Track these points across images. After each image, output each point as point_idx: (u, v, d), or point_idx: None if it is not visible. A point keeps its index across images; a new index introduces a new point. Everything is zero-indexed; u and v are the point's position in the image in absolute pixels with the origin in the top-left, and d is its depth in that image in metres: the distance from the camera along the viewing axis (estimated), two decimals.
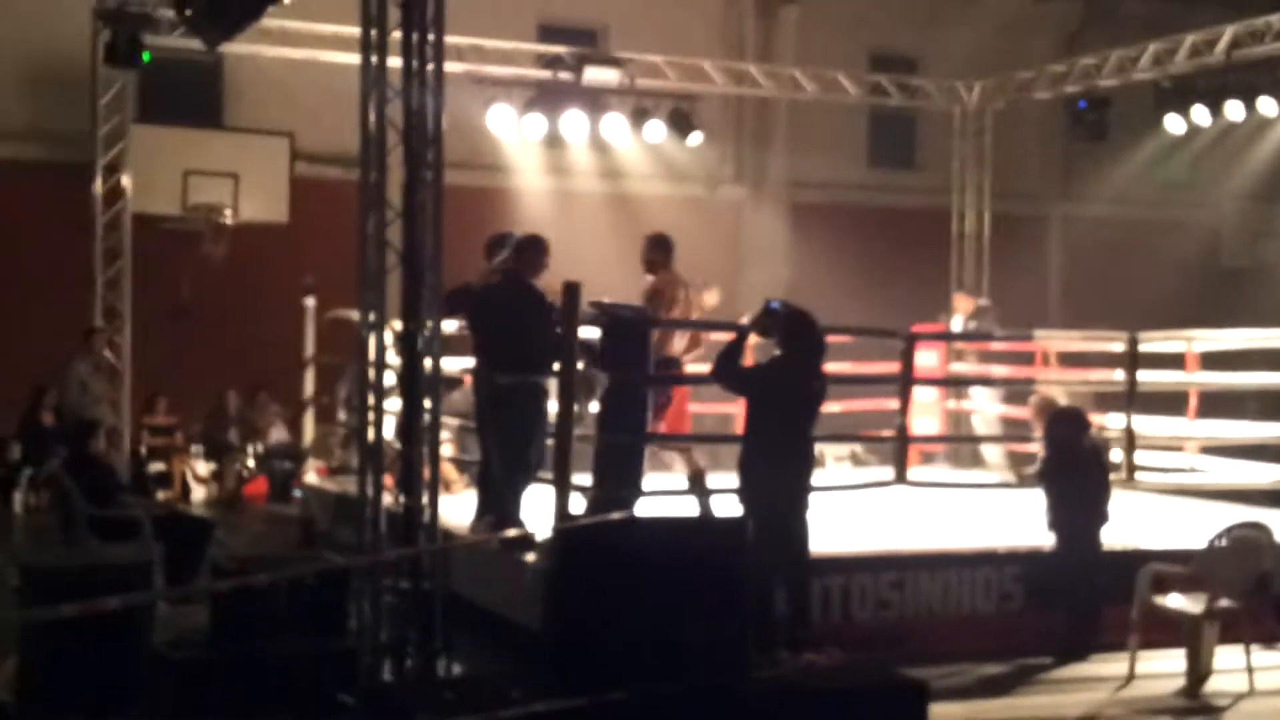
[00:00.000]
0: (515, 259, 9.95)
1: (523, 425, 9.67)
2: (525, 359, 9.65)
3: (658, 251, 10.64)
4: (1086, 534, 9.63)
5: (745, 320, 9.71)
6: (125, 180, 16.51)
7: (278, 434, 16.84)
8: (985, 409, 14.92)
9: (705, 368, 9.79)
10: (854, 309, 15.68)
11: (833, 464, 14.85)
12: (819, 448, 13.87)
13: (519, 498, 9.75)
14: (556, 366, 9.60)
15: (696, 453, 10.80)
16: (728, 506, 9.09)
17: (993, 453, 14.74)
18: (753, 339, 9.44)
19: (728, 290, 18.44)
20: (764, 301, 9.22)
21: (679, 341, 10.65)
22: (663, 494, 10.47)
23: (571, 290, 9.44)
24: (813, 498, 8.93)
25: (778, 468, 8.70)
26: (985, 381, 14.96)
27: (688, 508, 10.36)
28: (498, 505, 9.79)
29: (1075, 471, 9.70)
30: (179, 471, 16.28)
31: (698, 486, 10.48)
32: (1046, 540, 9.75)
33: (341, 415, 14.67)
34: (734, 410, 11.26)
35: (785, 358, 8.89)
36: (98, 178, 16.38)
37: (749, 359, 9.88)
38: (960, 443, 15.28)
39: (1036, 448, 10.56)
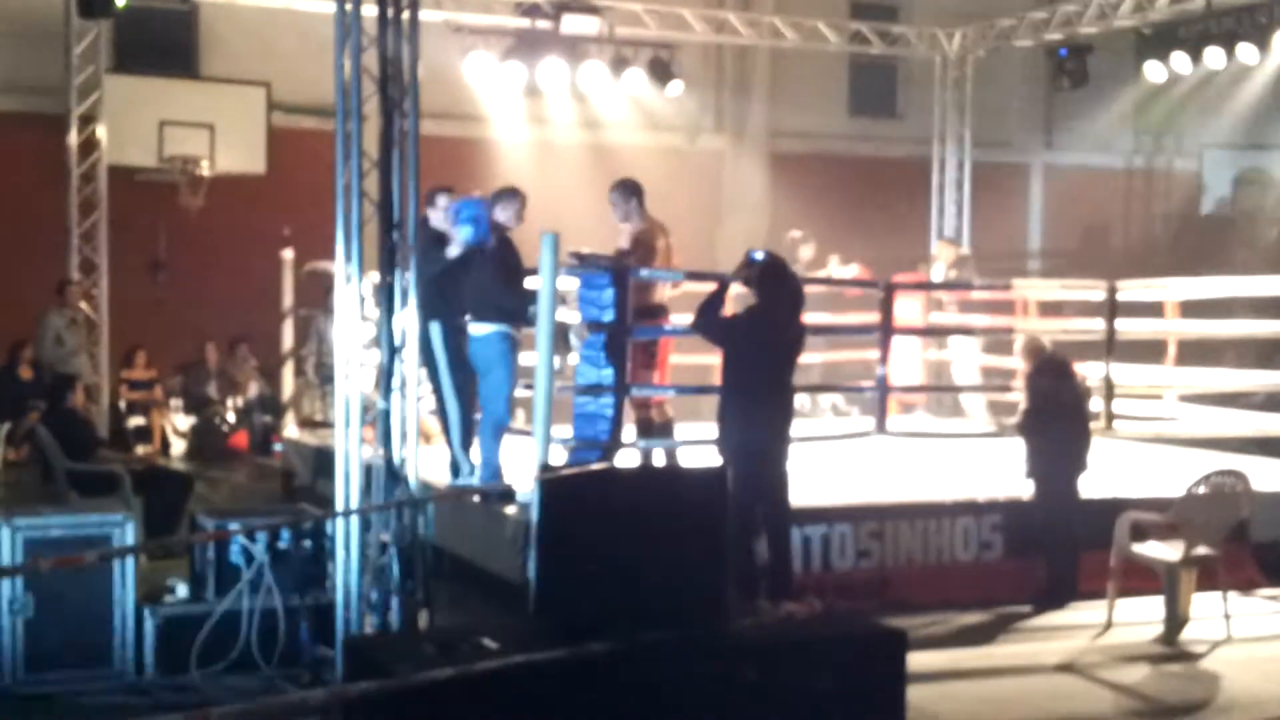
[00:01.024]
0: (491, 208, 9.89)
1: (498, 377, 9.65)
2: (495, 311, 9.61)
3: (631, 199, 10.48)
4: (1065, 483, 9.66)
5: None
6: (100, 131, 16.39)
7: (257, 387, 16.82)
8: (966, 359, 14.93)
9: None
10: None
11: (828, 414, 14.87)
12: (809, 396, 14.00)
13: (497, 447, 9.75)
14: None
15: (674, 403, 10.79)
16: (706, 456, 9.09)
17: (973, 402, 14.76)
18: (735, 289, 9.41)
19: (707, 240, 18.51)
20: (746, 252, 9.19)
21: (663, 289, 10.58)
22: (640, 444, 10.45)
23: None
24: (792, 448, 8.94)
25: (756, 417, 8.71)
26: (965, 331, 14.97)
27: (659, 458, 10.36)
28: (482, 457, 9.78)
29: (1055, 421, 9.70)
30: (158, 425, 16.24)
31: (665, 436, 10.46)
32: (1025, 489, 9.77)
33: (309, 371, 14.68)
34: (712, 361, 11.24)
35: (762, 307, 8.87)
36: (72, 129, 16.26)
37: (731, 309, 9.86)
38: (940, 392, 15.30)
39: (1018, 396, 10.56)
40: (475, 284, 9.72)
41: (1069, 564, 9.57)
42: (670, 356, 10.79)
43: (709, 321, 9.04)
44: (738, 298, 9.63)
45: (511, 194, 9.95)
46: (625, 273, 9.98)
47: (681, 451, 10.32)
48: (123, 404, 16.40)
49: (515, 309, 9.63)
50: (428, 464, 9.13)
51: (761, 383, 8.77)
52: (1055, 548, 9.60)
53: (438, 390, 9.97)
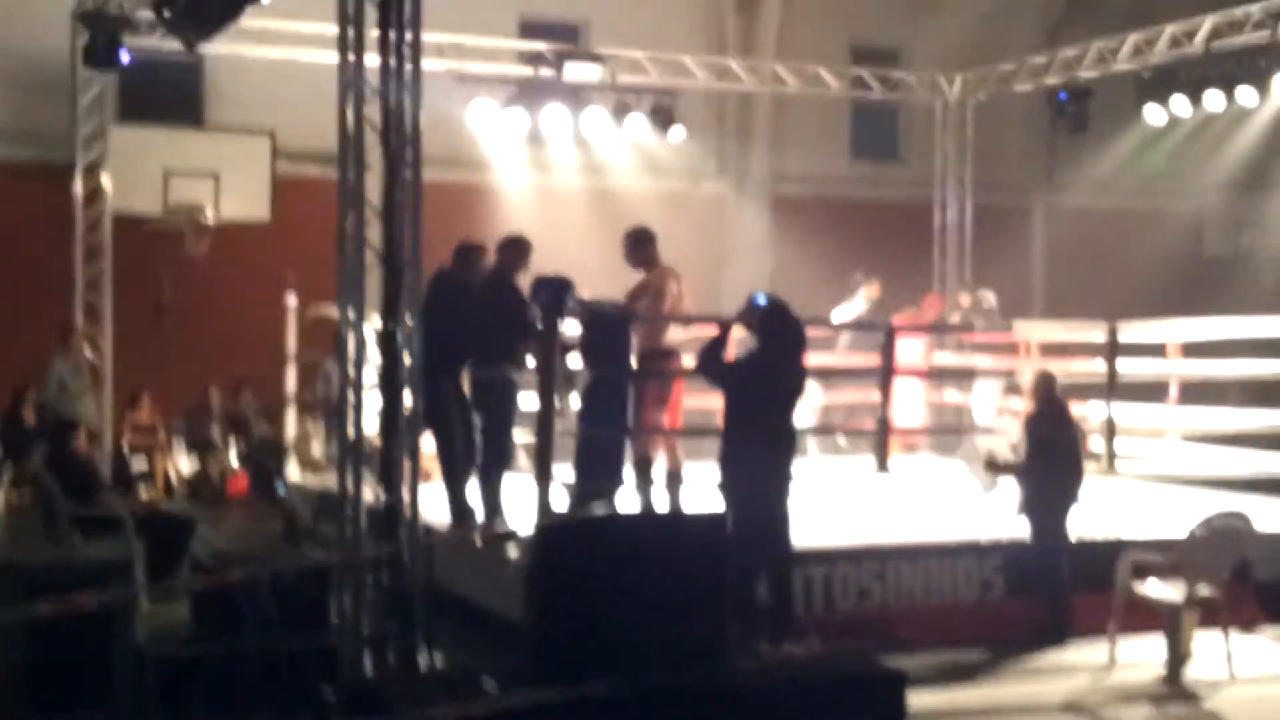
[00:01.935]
0: (498, 256, 9.98)
1: (499, 418, 9.70)
2: (499, 354, 9.66)
3: (645, 247, 10.61)
4: (1056, 524, 9.69)
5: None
6: (106, 180, 16.49)
7: (260, 430, 16.87)
8: (984, 403, 14.86)
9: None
10: (837, 302, 15.81)
11: (816, 454, 14.86)
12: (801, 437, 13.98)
13: (498, 490, 9.78)
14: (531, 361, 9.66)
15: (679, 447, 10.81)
16: (709, 500, 9.12)
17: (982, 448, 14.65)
18: (738, 332, 9.46)
19: (710, 285, 18.57)
20: (749, 296, 9.25)
21: (673, 333, 10.65)
22: (641, 488, 10.47)
23: (557, 286, 9.50)
24: (794, 488, 8.96)
25: (758, 460, 8.73)
26: (968, 374, 14.99)
27: (661, 502, 10.39)
28: (481, 498, 9.82)
29: (1051, 465, 9.75)
30: (162, 468, 16.28)
31: (674, 483, 10.49)
32: (1019, 526, 9.79)
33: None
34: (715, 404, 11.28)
35: (763, 350, 8.92)
36: (78, 178, 16.36)
37: (734, 353, 9.91)
38: (942, 434, 15.30)
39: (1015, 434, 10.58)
40: (479, 327, 9.78)
41: (1063, 602, 9.59)
42: (682, 399, 10.84)
43: (711, 364, 9.09)
44: (740, 341, 9.68)
45: (517, 241, 10.05)
46: (629, 318, 10.06)
47: (683, 495, 10.34)
48: (126, 447, 16.43)
49: (517, 351, 9.70)
50: (428, 505, 9.16)
51: (763, 425, 8.80)
52: (1049, 586, 9.62)
53: (446, 434, 9.96)
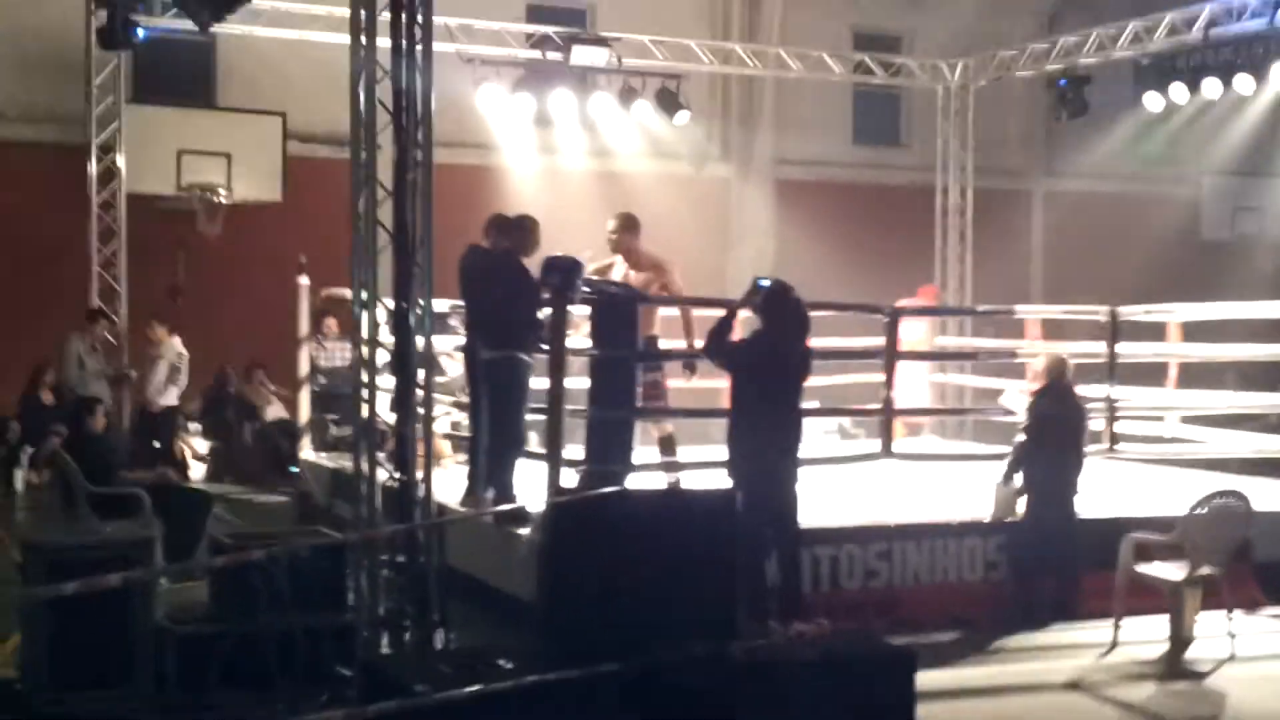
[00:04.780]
0: (507, 237, 10.08)
1: (508, 399, 9.81)
2: (508, 334, 9.78)
3: (636, 233, 10.82)
4: (1058, 503, 9.81)
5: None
6: (120, 160, 16.62)
7: (274, 411, 16.99)
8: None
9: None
10: (840, 285, 15.88)
11: (822, 436, 14.96)
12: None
13: (510, 471, 9.89)
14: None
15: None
16: (715, 479, 9.23)
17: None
18: (743, 314, 9.57)
19: (715, 267, 18.67)
20: (753, 278, 9.35)
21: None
22: (652, 467, 10.62)
23: (568, 268, 9.60)
24: (801, 469, 9.08)
25: (765, 440, 8.84)
26: (969, 356, 15.06)
27: (658, 478, 10.55)
28: (491, 479, 9.92)
29: (1052, 443, 9.86)
30: (178, 449, 16.39)
31: (667, 450, 10.70)
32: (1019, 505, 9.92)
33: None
34: (717, 385, 11.44)
35: (768, 332, 9.02)
36: (92, 158, 16.50)
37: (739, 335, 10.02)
38: (946, 415, 15.43)
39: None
40: (492, 308, 9.89)
41: (1070, 581, 9.72)
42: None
43: (718, 347, 9.19)
44: (745, 323, 9.79)
45: (526, 222, 10.15)
46: (635, 300, 10.19)
47: (692, 474, 10.49)
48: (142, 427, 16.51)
49: (529, 333, 9.80)
50: (442, 485, 9.28)
51: (769, 406, 8.91)
52: (1053, 566, 9.75)
53: (478, 411, 10.10)
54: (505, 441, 9.84)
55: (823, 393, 13.05)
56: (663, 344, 11.04)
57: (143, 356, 16.20)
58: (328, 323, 14.65)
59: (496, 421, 9.87)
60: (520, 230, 10.06)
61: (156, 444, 15.81)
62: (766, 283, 9.15)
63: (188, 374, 16.15)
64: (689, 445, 11.33)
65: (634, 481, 9.69)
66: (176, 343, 16.10)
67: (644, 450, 11.17)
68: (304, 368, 14.48)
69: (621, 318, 10.04)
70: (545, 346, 9.76)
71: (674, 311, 11.05)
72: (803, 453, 9.12)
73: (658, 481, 10.51)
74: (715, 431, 10.10)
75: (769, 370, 8.94)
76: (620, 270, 10.82)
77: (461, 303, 10.28)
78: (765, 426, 8.87)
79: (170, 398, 16.07)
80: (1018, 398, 13.35)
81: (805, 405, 9.49)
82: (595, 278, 10.31)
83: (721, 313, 9.52)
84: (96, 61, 16.28)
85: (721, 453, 9.14)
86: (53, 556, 7.65)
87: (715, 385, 11.40)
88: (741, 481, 8.56)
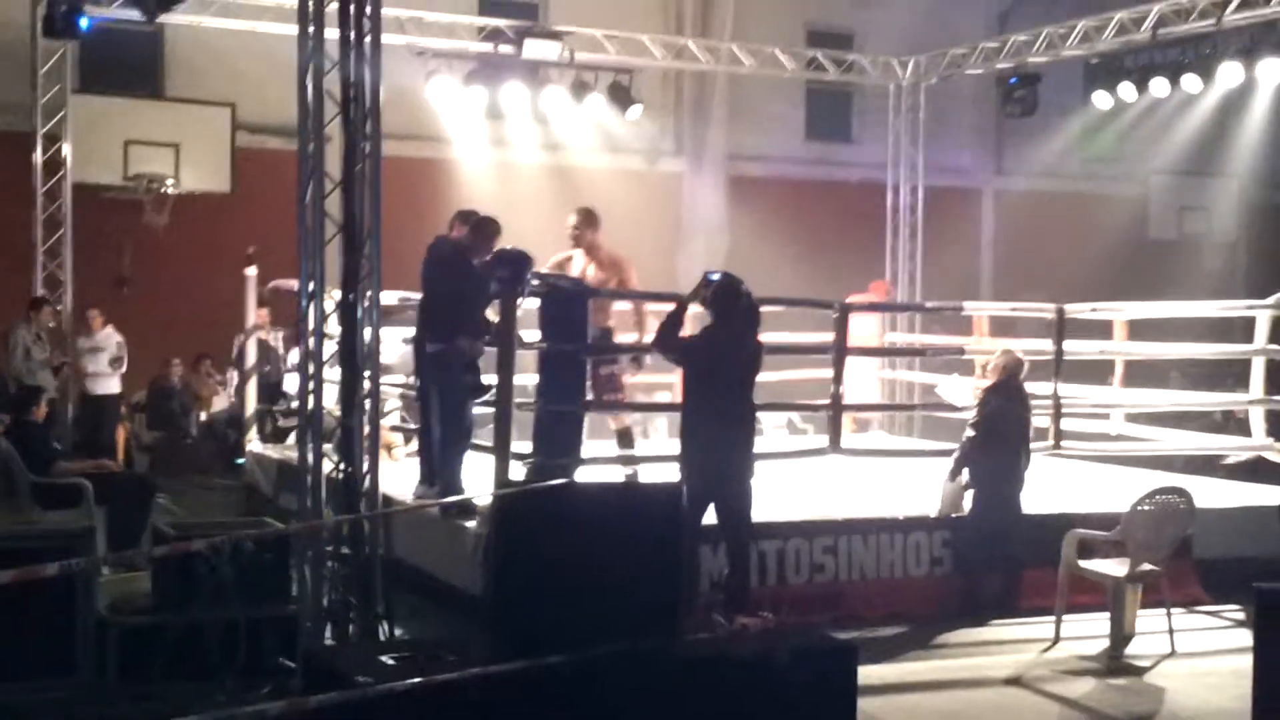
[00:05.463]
0: (470, 234, 10.05)
1: (453, 392, 9.79)
2: (452, 328, 9.76)
3: (593, 228, 10.83)
4: (1004, 499, 9.89)
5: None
6: (66, 150, 16.45)
7: (220, 402, 16.91)
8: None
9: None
10: (792, 280, 15.91)
11: (770, 431, 15.00)
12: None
13: (458, 463, 9.88)
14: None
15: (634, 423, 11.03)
16: (667, 473, 9.24)
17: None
18: (694, 309, 9.58)
19: (666, 262, 18.69)
20: (704, 273, 9.36)
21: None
22: (600, 461, 10.63)
23: (516, 261, 9.60)
24: (753, 463, 9.08)
25: (715, 434, 8.84)
26: (918, 352, 15.14)
27: (614, 471, 10.57)
28: (439, 471, 9.91)
29: (1000, 439, 9.94)
30: (123, 439, 16.29)
31: (625, 443, 10.72)
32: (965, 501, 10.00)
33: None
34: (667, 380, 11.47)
35: (717, 326, 9.03)
36: (38, 147, 16.31)
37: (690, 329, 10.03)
38: (894, 410, 15.50)
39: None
40: (438, 302, 9.88)
41: (1014, 577, 9.79)
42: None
43: (668, 341, 9.18)
44: (696, 317, 9.80)
45: (488, 223, 10.12)
46: (586, 295, 10.20)
47: (649, 467, 10.50)
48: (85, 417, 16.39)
49: (477, 326, 9.79)
50: (388, 478, 9.25)
51: (720, 400, 8.90)
52: (997, 562, 9.82)
53: (426, 405, 10.08)
54: (451, 435, 9.83)
55: (772, 388, 13.08)
56: (619, 339, 11.05)
57: (75, 345, 16.04)
58: (260, 314, 14.57)
59: (442, 414, 9.86)
60: (477, 230, 10.04)
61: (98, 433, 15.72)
62: (716, 277, 9.15)
63: (126, 362, 16.02)
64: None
65: (585, 475, 9.71)
66: (112, 331, 15.98)
67: (602, 443, 11.24)
68: (252, 358, 14.41)
69: (571, 312, 10.04)
70: (490, 342, 9.75)
71: (627, 305, 11.07)
72: (755, 446, 9.12)
73: (615, 475, 10.51)
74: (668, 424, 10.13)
75: (719, 364, 8.94)
76: (580, 264, 10.83)
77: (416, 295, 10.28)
78: (716, 421, 8.86)
79: (113, 385, 15.94)
80: (956, 388, 13.48)
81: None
82: (545, 271, 10.30)
83: (672, 307, 9.52)
84: (42, 50, 16.10)
85: (674, 446, 9.15)
86: None
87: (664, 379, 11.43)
88: (692, 475, 8.57)
